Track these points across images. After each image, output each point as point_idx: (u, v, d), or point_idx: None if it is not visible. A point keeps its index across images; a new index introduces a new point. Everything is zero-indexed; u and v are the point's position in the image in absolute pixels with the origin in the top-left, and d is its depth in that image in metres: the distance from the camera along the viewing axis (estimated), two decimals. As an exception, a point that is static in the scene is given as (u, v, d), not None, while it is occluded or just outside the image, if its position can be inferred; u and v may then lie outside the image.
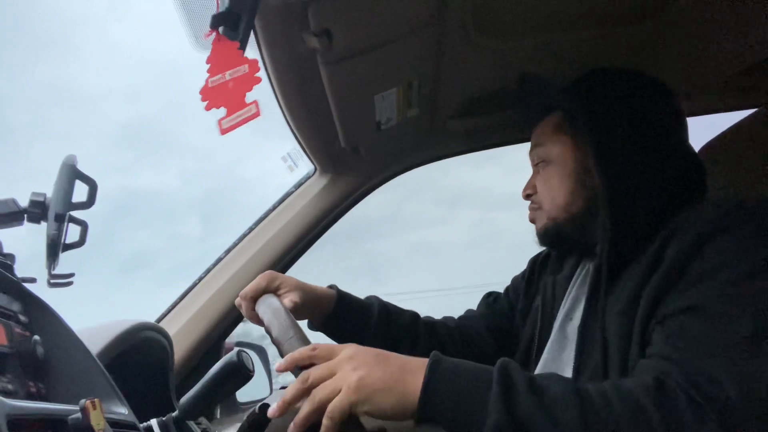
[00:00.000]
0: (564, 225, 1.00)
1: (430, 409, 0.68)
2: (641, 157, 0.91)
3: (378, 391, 0.68)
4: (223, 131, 0.89)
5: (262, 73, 1.06)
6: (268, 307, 0.91)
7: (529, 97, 1.11)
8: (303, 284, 1.02)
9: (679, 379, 0.67)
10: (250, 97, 0.90)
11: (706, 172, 0.96)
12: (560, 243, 1.04)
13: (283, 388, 1.56)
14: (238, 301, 1.00)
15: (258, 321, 0.94)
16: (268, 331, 0.88)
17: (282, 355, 0.82)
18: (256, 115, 0.90)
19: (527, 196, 1.07)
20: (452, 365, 0.71)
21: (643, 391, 0.67)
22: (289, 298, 0.97)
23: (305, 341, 0.81)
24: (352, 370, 0.70)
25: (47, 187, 0.88)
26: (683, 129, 0.99)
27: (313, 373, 0.72)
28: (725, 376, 0.66)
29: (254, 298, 0.97)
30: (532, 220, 1.07)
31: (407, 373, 0.70)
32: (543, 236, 1.04)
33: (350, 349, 0.73)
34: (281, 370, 0.76)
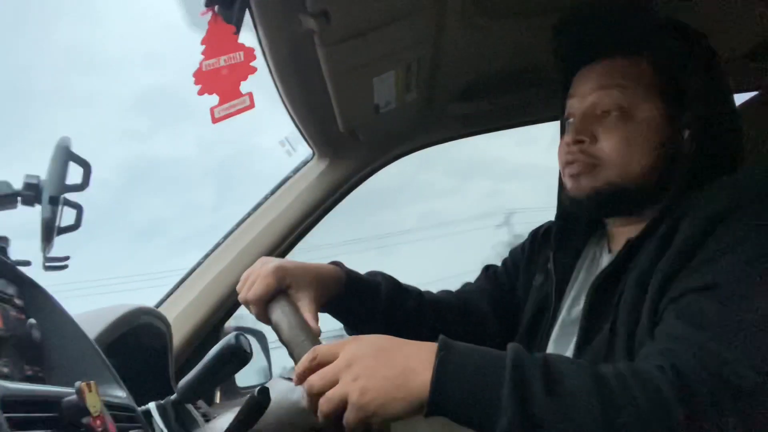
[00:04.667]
0: (623, 194, 0.88)
1: (441, 408, 0.66)
2: (722, 128, 0.87)
3: (384, 404, 0.66)
4: (215, 120, 0.87)
5: (258, 55, 1.05)
6: (276, 305, 0.87)
7: (604, 24, 0.93)
8: (312, 274, 0.93)
9: (698, 369, 0.64)
10: (245, 87, 0.89)
11: (742, 147, 0.92)
12: (602, 211, 0.94)
13: (283, 377, 1.55)
14: (242, 298, 0.91)
15: (269, 322, 0.88)
16: (276, 331, 0.86)
17: (293, 359, 0.80)
18: (250, 107, 0.89)
19: (578, 142, 0.90)
20: (461, 360, 0.67)
21: (665, 380, 0.63)
22: (305, 301, 0.89)
23: (316, 343, 0.78)
24: (352, 380, 0.67)
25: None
26: (733, 98, 0.95)
27: (314, 383, 0.69)
28: (744, 363, 0.64)
29: (267, 301, 0.88)
30: (577, 174, 0.91)
31: (412, 373, 0.67)
32: (590, 199, 0.90)
33: (349, 350, 0.70)
34: (297, 385, 0.73)
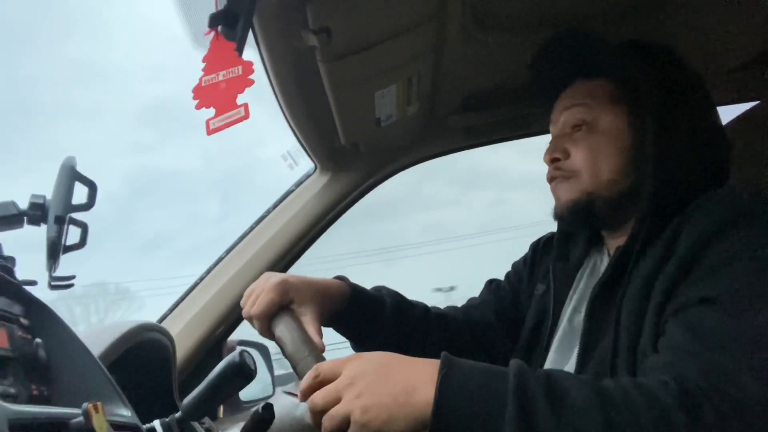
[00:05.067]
0: (600, 202, 0.92)
1: (444, 426, 0.66)
2: (690, 138, 0.89)
3: (386, 422, 0.66)
4: (210, 132, 0.88)
5: (260, 71, 1.06)
6: (279, 320, 0.87)
7: (573, 50, 1.00)
8: (316, 289, 0.94)
9: (701, 382, 0.65)
10: (241, 99, 0.89)
11: (731, 159, 0.93)
12: (587, 221, 0.96)
13: (287, 392, 1.56)
14: (246, 313, 0.92)
15: (273, 337, 0.89)
16: (280, 346, 0.86)
17: (297, 374, 0.80)
18: (245, 117, 0.89)
19: (553, 161, 0.97)
20: (464, 377, 0.68)
21: (668, 395, 0.64)
22: (308, 316, 0.89)
23: (320, 359, 0.79)
24: (355, 397, 0.68)
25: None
26: (716, 111, 0.96)
27: (317, 401, 0.70)
28: (747, 375, 0.64)
29: (270, 316, 0.89)
30: (557, 190, 0.97)
31: (414, 391, 0.67)
32: (570, 211, 0.95)
33: (351, 368, 0.70)
34: (302, 402, 0.74)
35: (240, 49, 0.91)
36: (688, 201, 0.84)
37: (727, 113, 1.47)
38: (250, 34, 0.96)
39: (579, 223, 0.99)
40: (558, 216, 0.98)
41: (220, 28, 0.85)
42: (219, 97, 0.87)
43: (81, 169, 0.88)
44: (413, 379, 0.68)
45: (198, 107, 0.87)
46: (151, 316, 1.46)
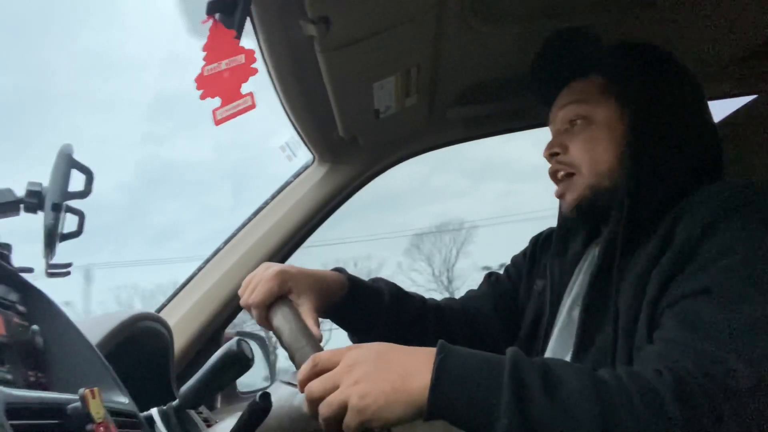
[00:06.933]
0: (602, 194, 0.93)
1: (440, 411, 0.67)
2: (678, 130, 0.90)
3: (383, 407, 0.67)
4: (218, 122, 0.88)
5: (258, 61, 1.06)
6: (277, 309, 0.88)
7: (566, 52, 1.02)
8: (314, 279, 0.94)
9: (695, 371, 0.65)
10: (245, 88, 0.89)
11: (722, 155, 0.94)
12: (594, 217, 0.97)
13: (285, 382, 1.56)
14: (244, 302, 0.92)
15: (271, 326, 0.89)
16: (278, 336, 0.86)
17: (294, 364, 0.80)
18: (252, 107, 0.89)
19: (553, 155, 0.98)
20: (460, 363, 0.68)
21: (662, 385, 0.65)
22: (306, 306, 0.90)
23: (317, 348, 0.79)
24: (353, 384, 0.68)
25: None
26: (707, 108, 0.98)
27: (314, 389, 0.70)
28: (740, 364, 0.65)
29: (268, 306, 0.89)
30: (562, 194, 0.98)
31: (411, 377, 0.68)
32: (577, 209, 0.96)
33: (349, 356, 0.71)
34: (302, 393, 0.74)
35: (238, 38, 0.91)
36: (681, 195, 0.85)
37: (726, 107, 1.48)
38: (249, 24, 0.96)
39: (587, 220, 1.00)
40: (567, 219, 1.00)
41: (217, 16, 0.85)
42: (223, 87, 0.87)
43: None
44: (410, 365, 0.69)
45: (203, 97, 0.87)
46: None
